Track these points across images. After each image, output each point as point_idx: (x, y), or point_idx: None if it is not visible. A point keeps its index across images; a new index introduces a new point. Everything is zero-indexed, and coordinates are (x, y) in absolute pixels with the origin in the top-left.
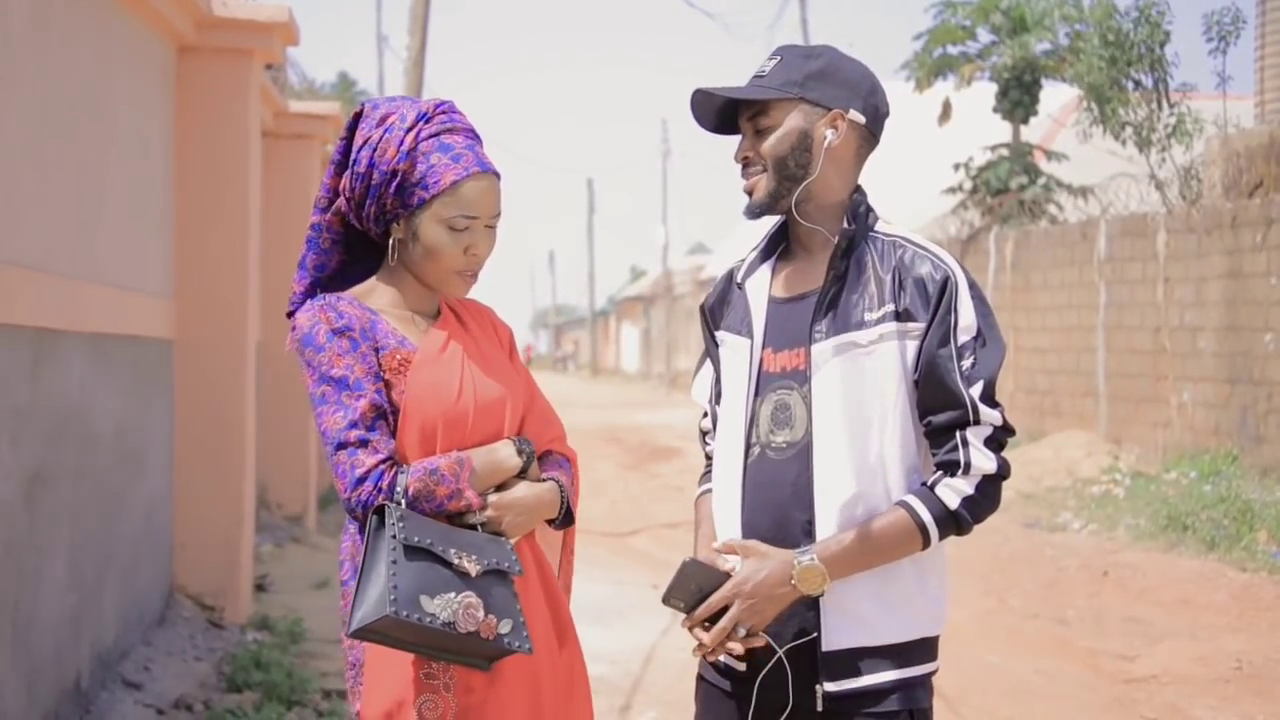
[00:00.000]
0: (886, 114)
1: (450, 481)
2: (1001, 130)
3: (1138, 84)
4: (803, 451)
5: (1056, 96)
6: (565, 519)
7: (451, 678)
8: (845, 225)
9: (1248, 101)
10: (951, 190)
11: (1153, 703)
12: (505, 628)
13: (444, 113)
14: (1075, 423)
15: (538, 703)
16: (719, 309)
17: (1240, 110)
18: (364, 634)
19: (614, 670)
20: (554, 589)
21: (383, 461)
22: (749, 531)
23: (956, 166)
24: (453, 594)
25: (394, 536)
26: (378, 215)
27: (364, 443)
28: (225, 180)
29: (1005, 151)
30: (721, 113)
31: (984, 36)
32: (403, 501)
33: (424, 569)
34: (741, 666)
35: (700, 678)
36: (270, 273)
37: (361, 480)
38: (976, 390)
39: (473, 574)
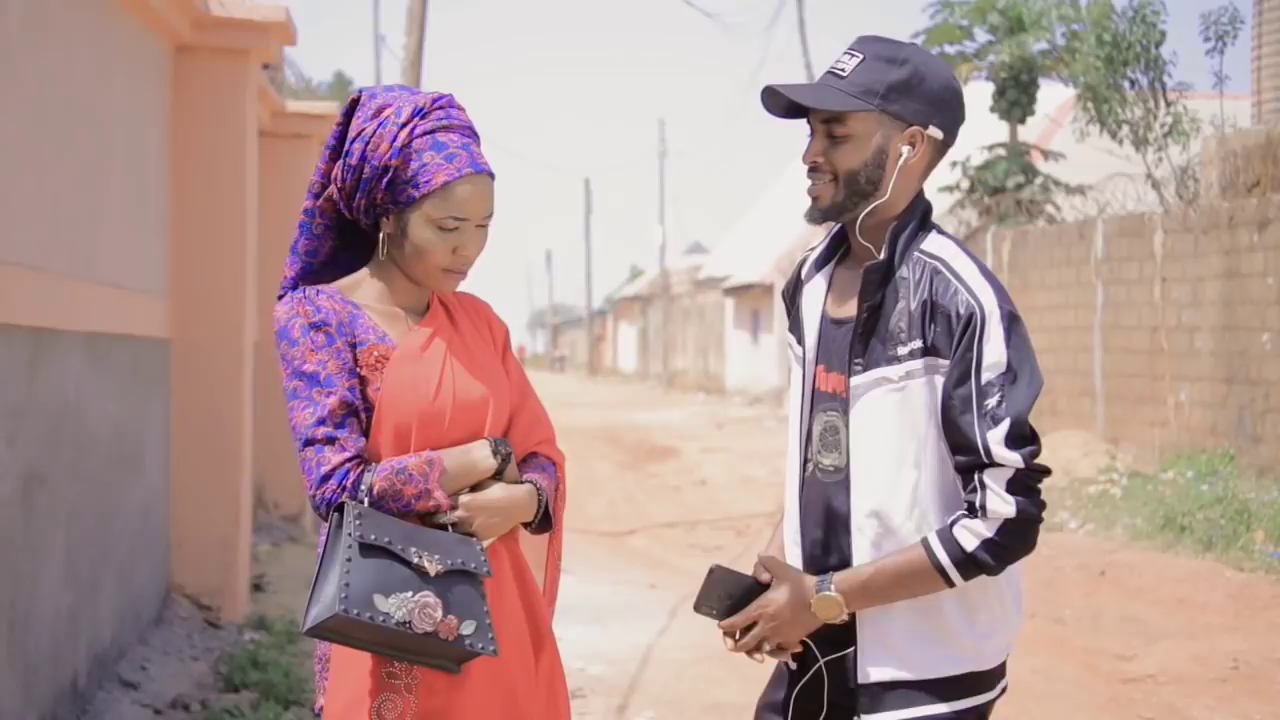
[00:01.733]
0: (963, 120)
1: (418, 481)
2: (999, 129)
3: (1134, 84)
4: (845, 479)
5: (1053, 96)
6: (543, 523)
7: (415, 678)
8: (881, 255)
9: (1245, 101)
10: (948, 189)
11: (1150, 702)
12: (468, 629)
13: (441, 108)
14: (1072, 422)
15: (514, 709)
16: (792, 302)
17: (1237, 110)
18: (319, 633)
19: (611, 670)
20: (532, 595)
21: (349, 459)
22: (806, 545)
23: (953, 165)
24: (409, 593)
25: (349, 534)
26: (367, 208)
27: (331, 440)
28: (222, 180)
29: (1002, 151)
30: (791, 103)
31: (981, 36)
32: (366, 500)
33: (380, 567)
34: (794, 666)
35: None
36: (267, 272)
37: (326, 478)
38: (999, 432)
39: (432, 573)
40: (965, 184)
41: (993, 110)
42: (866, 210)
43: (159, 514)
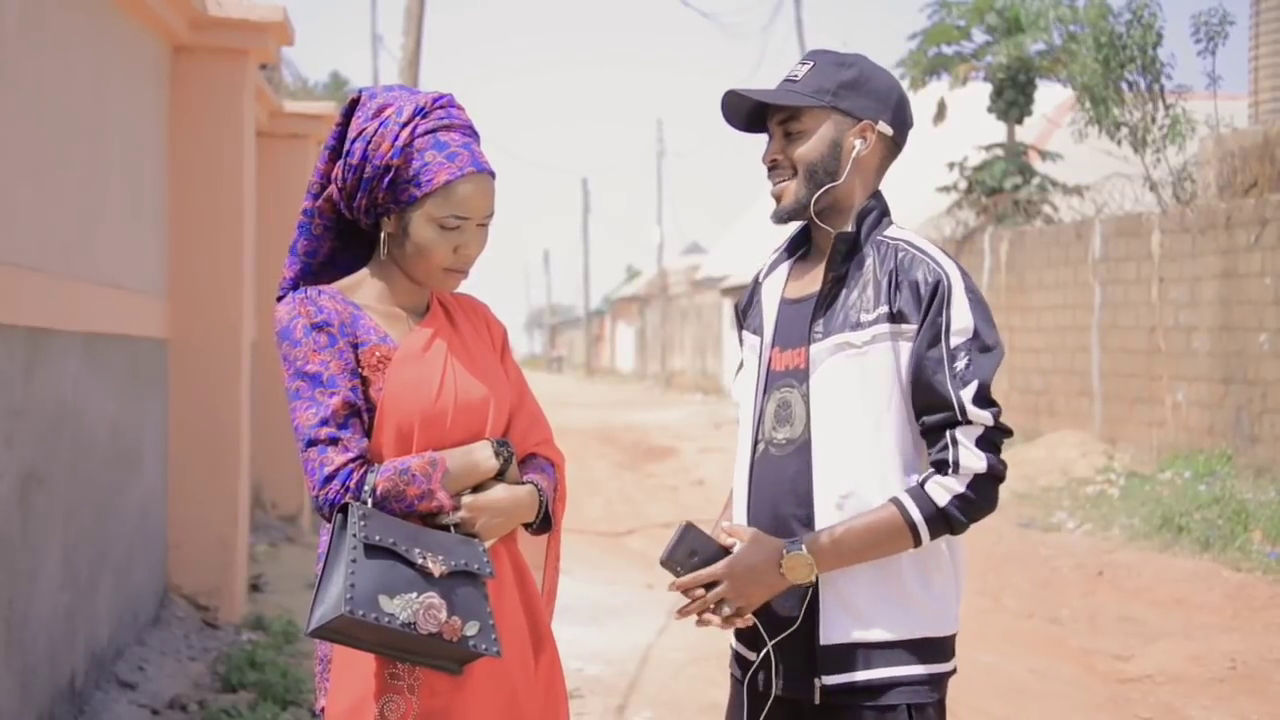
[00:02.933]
0: (911, 125)
1: (421, 482)
2: (996, 130)
3: (1131, 85)
4: (801, 448)
5: (1051, 96)
6: (544, 524)
7: (417, 679)
8: (847, 229)
9: (1242, 101)
10: (946, 189)
11: (1147, 702)
12: (471, 629)
13: (441, 108)
14: (1070, 422)
15: (514, 710)
16: (747, 310)
17: (1235, 110)
18: (323, 633)
19: (609, 670)
20: (532, 595)
21: (352, 460)
22: (753, 524)
23: (951, 166)
24: (414, 594)
25: (354, 535)
26: (368, 208)
27: (334, 440)
28: (220, 180)
29: (1000, 151)
30: (751, 113)
31: (979, 36)
32: (369, 500)
33: (385, 568)
34: (753, 656)
35: (730, 674)
36: (265, 272)
37: (330, 478)
38: (969, 392)
39: (436, 574)
40: (963, 184)
41: (990, 110)
42: (824, 193)
43: (157, 514)
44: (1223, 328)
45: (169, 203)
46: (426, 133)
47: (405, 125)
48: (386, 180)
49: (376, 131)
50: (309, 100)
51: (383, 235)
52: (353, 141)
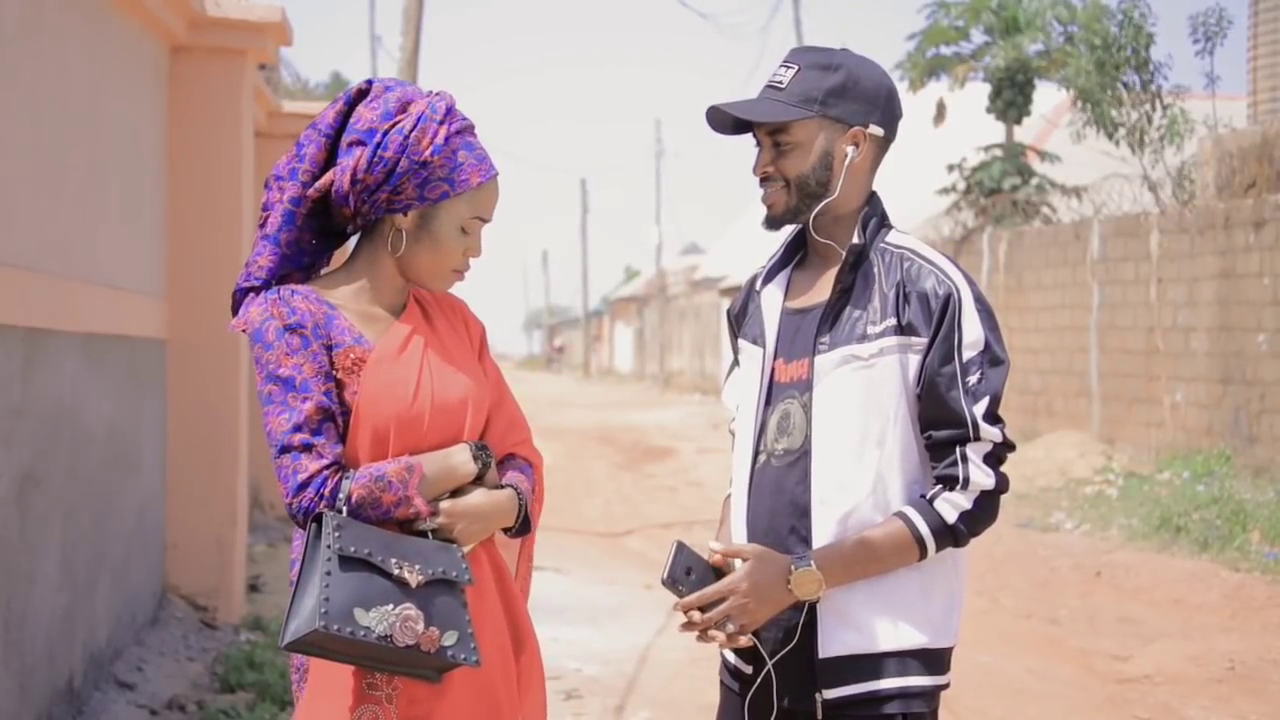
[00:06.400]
0: (900, 117)
1: (398, 488)
2: (995, 130)
3: (1128, 86)
4: (800, 459)
5: (1049, 97)
6: (523, 527)
7: (395, 689)
8: (855, 240)
9: (1241, 102)
10: (945, 190)
11: (1146, 703)
12: (450, 639)
13: (455, 108)
14: (1068, 423)
15: (495, 713)
16: (742, 317)
17: (1233, 110)
18: (298, 647)
19: (607, 671)
20: (512, 596)
21: (326, 467)
22: (751, 536)
23: (950, 167)
24: (390, 606)
25: (329, 546)
26: (385, 201)
27: (308, 447)
28: (218, 180)
29: (998, 152)
30: (738, 119)
31: (977, 37)
32: (344, 509)
33: (360, 580)
34: (749, 669)
35: (720, 682)
36: None
37: (303, 486)
38: (981, 407)
39: (413, 584)
40: (961, 185)
41: (989, 111)
42: (819, 209)
43: (155, 514)
44: (1221, 328)
45: (168, 203)
46: (458, 133)
47: (442, 123)
48: (421, 176)
49: (416, 127)
50: (307, 101)
51: (394, 230)
52: (385, 134)
